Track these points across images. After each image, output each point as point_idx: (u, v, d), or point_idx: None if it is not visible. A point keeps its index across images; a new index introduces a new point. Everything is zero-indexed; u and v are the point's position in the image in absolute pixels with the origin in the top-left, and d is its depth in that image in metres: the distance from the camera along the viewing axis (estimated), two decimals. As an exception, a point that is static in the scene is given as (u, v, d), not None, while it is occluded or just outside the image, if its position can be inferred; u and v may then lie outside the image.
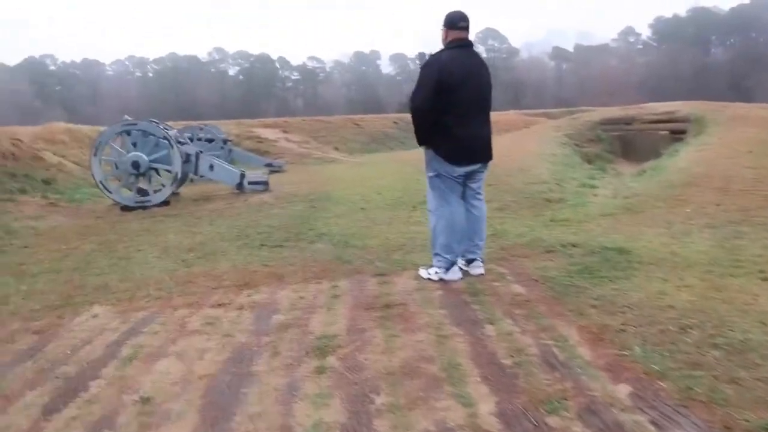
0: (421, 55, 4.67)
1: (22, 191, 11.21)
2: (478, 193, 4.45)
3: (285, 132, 24.81)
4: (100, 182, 10.15)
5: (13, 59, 78.92)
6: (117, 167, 10.53)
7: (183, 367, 3.18)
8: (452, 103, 4.09)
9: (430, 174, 4.36)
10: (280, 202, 9.73)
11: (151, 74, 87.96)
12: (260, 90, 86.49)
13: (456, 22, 4.20)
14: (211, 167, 10.87)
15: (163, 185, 10.48)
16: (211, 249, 6.69)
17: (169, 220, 8.98)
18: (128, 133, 10.42)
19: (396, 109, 70.68)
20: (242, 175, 11.07)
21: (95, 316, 4.30)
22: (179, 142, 10.77)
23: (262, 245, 6.63)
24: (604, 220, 6.40)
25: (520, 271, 4.51)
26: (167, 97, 77.93)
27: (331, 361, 3.07)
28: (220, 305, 4.25)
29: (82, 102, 74.94)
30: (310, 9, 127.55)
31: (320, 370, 2.97)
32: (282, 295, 4.40)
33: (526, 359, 2.88)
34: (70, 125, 18.43)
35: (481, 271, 4.43)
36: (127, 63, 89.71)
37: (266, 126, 25.18)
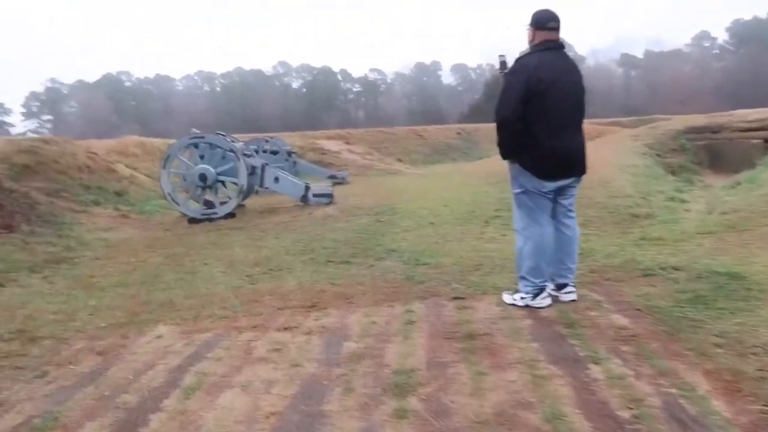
0: (501, 59, 4.26)
1: (96, 203, 11.50)
2: (570, 211, 3.99)
3: (348, 143, 24.79)
4: (169, 194, 10.23)
5: (92, 76, 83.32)
6: (185, 179, 10.62)
7: (248, 402, 2.89)
8: (542, 111, 3.67)
9: (517, 190, 3.93)
10: (345, 215, 9.49)
11: (218, 89, 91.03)
12: (322, 102, 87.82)
13: (545, 22, 3.78)
14: (276, 180, 10.79)
15: (229, 197, 10.47)
16: (277, 264, 6.49)
17: (234, 233, 8.90)
18: (196, 146, 10.49)
19: (457, 119, 70.12)
20: (307, 188, 10.93)
21: (159, 336, 4.12)
22: (245, 155, 10.75)
23: (329, 261, 6.37)
24: (705, 240, 5.75)
25: (619, 298, 4.00)
26: (233, 111, 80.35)
27: (413, 402, 2.70)
28: (286, 329, 3.97)
29: (155, 116, 78.29)
30: (373, 23, 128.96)
31: (401, 414, 2.60)
32: (352, 319, 4.07)
33: (648, 412, 2.41)
34: (143, 138, 19.03)
35: (574, 297, 3.95)
36: (196, 78, 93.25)
37: (329, 138, 25.26)
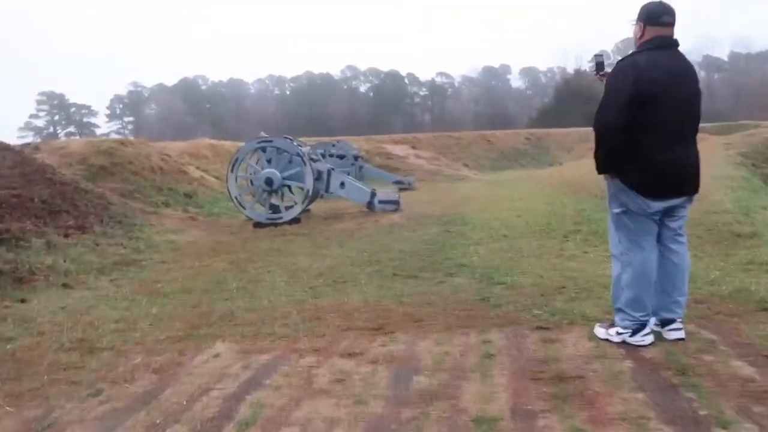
0: (598, 59, 3.76)
1: (166, 204, 11.68)
2: (679, 235, 3.44)
3: (414, 148, 24.45)
4: (235, 198, 10.21)
5: (171, 80, 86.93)
6: (252, 183, 10.57)
7: (307, 446, 2.56)
8: (652, 119, 3.15)
9: (616, 210, 3.41)
10: (411, 224, 9.13)
11: (288, 92, 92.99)
12: (389, 106, 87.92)
13: (658, 16, 3.25)
14: (342, 185, 10.57)
15: (295, 202, 10.33)
16: (341, 275, 6.20)
17: (299, 240, 8.72)
18: (264, 149, 10.42)
19: (526, 124, 68.38)
20: (372, 194, 10.65)
21: (217, 355, 3.87)
22: (311, 159, 10.60)
23: (395, 275, 6.02)
24: (829, 267, 4.99)
25: (736, 338, 3.41)
26: (302, 113, 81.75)
27: (498, 464, 2.28)
28: (351, 355, 3.63)
29: (228, 118, 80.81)
30: (440, 26, 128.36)
31: (484, 479, 2.18)
32: (422, 347, 3.68)
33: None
34: (213, 141, 19.41)
35: (681, 335, 3.40)
36: (267, 82, 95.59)
37: (395, 142, 25.02)
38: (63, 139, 70.32)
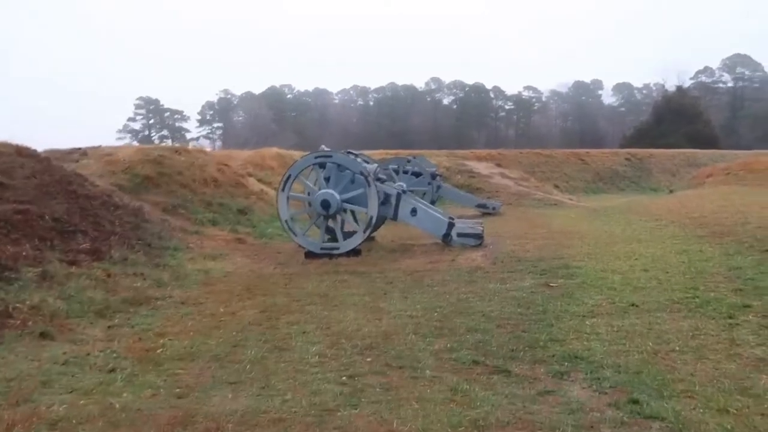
0: None
1: (213, 222, 10.27)
2: None
3: (499, 166, 22.15)
4: (286, 222, 8.58)
5: (259, 88, 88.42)
6: (308, 205, 8.92)
7: None
8: None
9: None
10: (498, 269, 7.09)
11: (371, 102, 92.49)
12: (472, 119, 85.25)
13: None
14: (414, 212, 8.70)
15: (355, 231, 8.57)
16: (397, 352, 4.38)
17: (353, 281, 6.91)
18: (322, 165, 8.75)
19: (619, 143, 63.63)
20: (450, 225, 8.70)
21: None
22: (378, 179, 8.81)
23: (475, 363, 4.08)
24: None
25: None
26: (384, 125, 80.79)
27: None
28: None
29: (312, 127, 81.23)
30: (529, 39, 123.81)
31: None
32: None
33: None
34: (282, 150, 18.14)
35: None
36: (351, 92, 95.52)
37: (479, 158, 22.80)
38: (156, 142, 73.24)
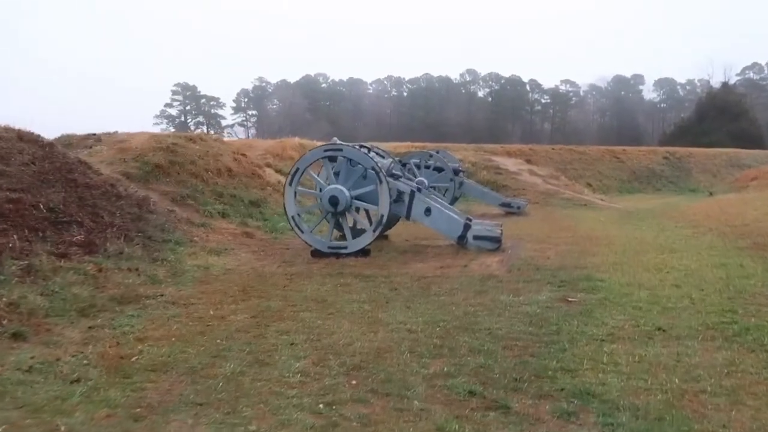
0: None
1: (223, 214, 9.93)
2: None
3: (529, 162, 21.33)
4: (292, 218, 8.17)
5: (294, 77, 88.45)
6: (319, 200, 8.48)
7: None
8: None
9: None
10: (513, 278, 6.53)
11: (405, 93, 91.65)
12: (507, 112, 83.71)
13: None
14: (428, 211, 8.18)
15: (365, 229, 8.11)
16: (387, 374, 3.97)
17: (355, 286, 6.45)
18: (332, 159, 8.29)
19: (659, 140, 61.47)
20: (466, 226, 8.16)
21: None
22: (393, 175, 8.31)
23: (471, 394, 3.59)
24: None
25: None
26: (417, 116, 79.97)
27: None
28: None
29: (345, 116, 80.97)
30: (568, 31, 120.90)
31: None
32: None
33: None
34: (304, 141, 17.76)
35: None
36: (385, 82, 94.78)
37: (509, 154, 22.02)
38: (192, 128, 74.05)
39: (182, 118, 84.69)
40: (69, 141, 11.46)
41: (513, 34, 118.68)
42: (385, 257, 7.96)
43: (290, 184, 8.13)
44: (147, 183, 9.75)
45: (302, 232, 8.14)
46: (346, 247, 7.95)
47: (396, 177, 8.50)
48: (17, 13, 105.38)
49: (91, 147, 10.87)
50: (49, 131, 8.97)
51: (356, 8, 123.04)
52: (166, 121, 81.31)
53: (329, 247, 7.99)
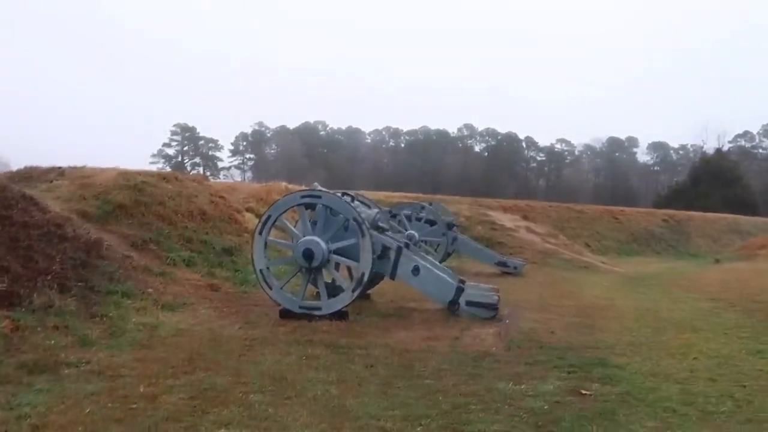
0: None
1: (189, 263, 8.90)
2: None
3: (526, 218, 20.49)
4: (260, 272, 7.14)
5: (293, 123, 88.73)
6: (293, 252, 7.48)
7: None
8: None
9: None
10: (513, 358, 5.47)
11: (402, 144, 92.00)
12: (503, 168, 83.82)
13: None
14: (416, 270, 7.19)
15: (344, 288, 7.09)
16: None
17: (325, 360, 5.38)
18: (310, 207, 7.35)
19: (653, 202, 61.20)
20: (459, 290, 7.16)
21: None
22: (378, 228, 7.37)
23: None
24: None
25: None
26: (414, 167, 79.87)
27: None
28: None
29: (342, 165, 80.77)
30: (565, 91, 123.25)
31: None
32: None
33: None
34: (292, 185, 16.85)
35: None
36: (383, 133, 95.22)
37: (505, 209, 21.21)
38: (188, 169, 73.38)
39: (179, 159, 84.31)
40: (30, 174, 10.52)
41: (510, 91, 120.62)
42: (365, 322, 6.90)
43: (260, 233, 7.15)
44: (105, 224, 8.76)
45: (270, 288, 7.10)
46: (320, 308, 6.91)
47: (382, 230, 7.56)
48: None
49: (51, 181, 9.92)
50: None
51: (358, 59, 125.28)
52: (163, 160, 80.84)
53: (301, 307, 6.94)
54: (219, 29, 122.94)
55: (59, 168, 10.61)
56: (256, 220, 12.45)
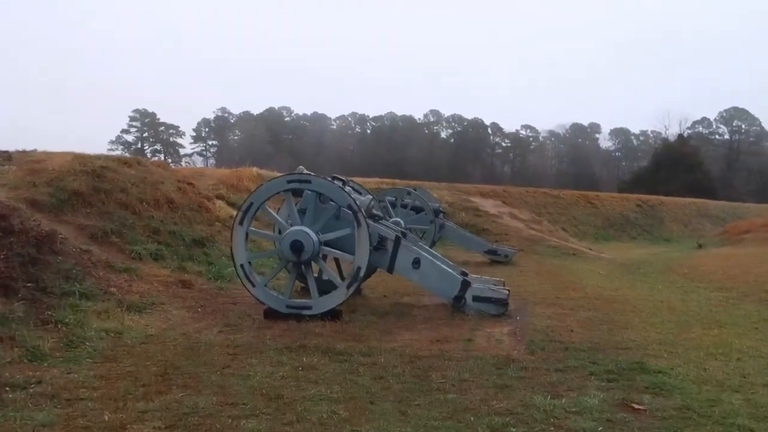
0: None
1: (157, 256, 7.96)
2: None
3: (506, 204, 19.98)
4: (241, 267, 6.28)
5: (257, 109, 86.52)
6: (277, 245, 6.65)
7: None
8: None
9: None
10: (540, 364, 4.79)
11: (368, 131, 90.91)
12: (468, 154, 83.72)
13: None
14: (416, 263, 6.44)
15: (338, 285, 6.29)
16: None
17: (324, 371, 4.60)
18: (297, 193, 6.52)
19: (618, 188, 62.04)
20: (465, 283, 6.45)
21: None
22: (372, 216, 6.60)
23: None
24: None
25: None
26: (380, 154, 78.96)
27: None
28: None
29: (307, 152, 79.20)
30: (530, 78, 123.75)
31: None
32: None
33: None
34: (263, 171, 15.89)
35: None
36: (349, 119, 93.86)
37: (483, 195, 20.64)
38: (149, 156, 70.85)
39: (139, 145, 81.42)
40: (-29, 158, 9.32)
41: (477, 78, 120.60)
42: (361, 322, 6.13)
43: (241, 223, 6.27)
44: (59, 214, 7.73)
45: (253, 285, 6.25)
46: (310, 308, 6.11)
47: (376, 218, 6.78)
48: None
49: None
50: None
51: (323, 43, 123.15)
52: (122, 147, 77.89)
53: (288, 307, 6.13)
54: (179, 12, 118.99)
55: (5, 152, 9.44)
56: (228, 209, 11.57)
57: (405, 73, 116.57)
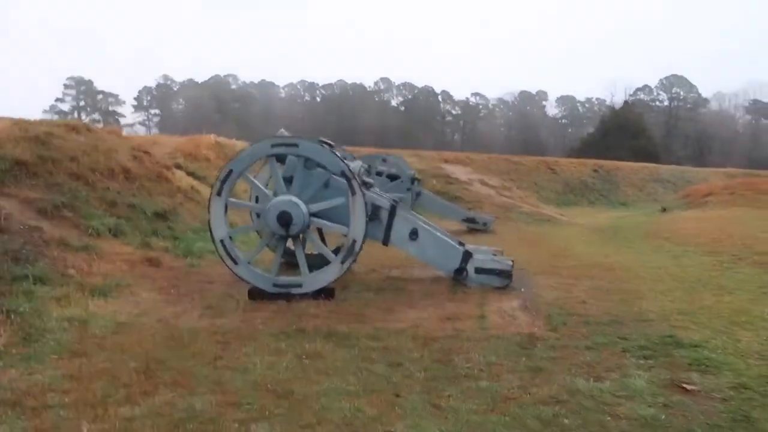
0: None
1: (117, 232, 7.13)
2: None
3: (474, 172, 19.64)
4: (221, 242, 5.61)
5: (202, 76, 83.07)
6: (257, 218, 5.99)
7: None
8: None
9: None
10: (568, 341, 4.40)
11: (318, 99, 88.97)
12: (419, 122, 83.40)
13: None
14: (414, 234, 5.93)
15: (330, 260, 5.71)
16: None
17: (332, 359, 4.07)
18: (281, 159, 5.85)
19: (566, 154, 63.20)
20: (466, 254, 5.99)
21: None
22: (365, 184, 6.01)
23: None
24: None
25: None
26: (330, 122, 77.52)
27: None
28: None
29: (255, 120, 76.85)
30: (480, 46, 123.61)
31: None
32: None
33: None
34: (221, 139, 14.92)
35: None
36: (298, 87, 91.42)
37: (447, 161, 20.22)
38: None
39: (75, 115, 77.02)
40: None
41: (427, 45, 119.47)
42: (358, 300, 5.60)
43: (219, 194, 5.57)
44: (1, 187, 6.78)
45: (236, 263, 5.60)
46: (300, 285, 5.52)
47: (368, 186, 6.20)
48: None
49: None
50: None
51: (270, 7, 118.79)
52: (57, 116, 73.48)
53: (276, 285, 5.52)
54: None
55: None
56: (189, 179, 10.70)
57: (355, 40, 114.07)
